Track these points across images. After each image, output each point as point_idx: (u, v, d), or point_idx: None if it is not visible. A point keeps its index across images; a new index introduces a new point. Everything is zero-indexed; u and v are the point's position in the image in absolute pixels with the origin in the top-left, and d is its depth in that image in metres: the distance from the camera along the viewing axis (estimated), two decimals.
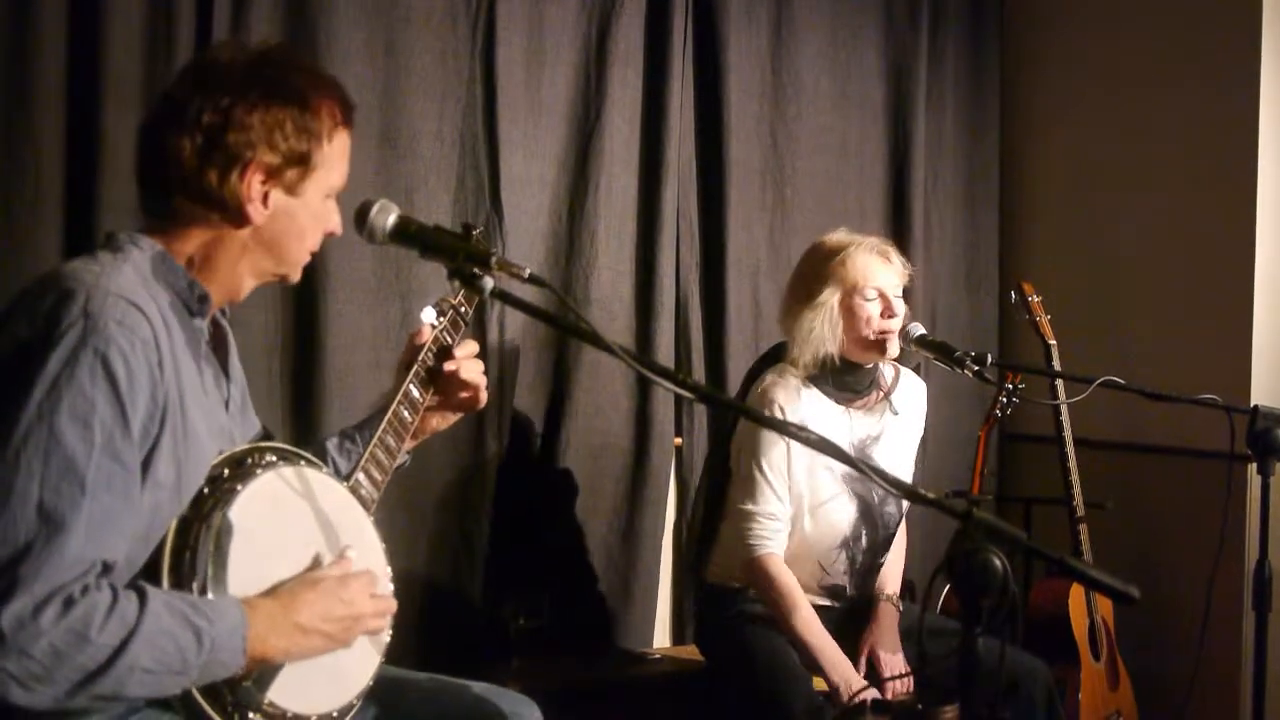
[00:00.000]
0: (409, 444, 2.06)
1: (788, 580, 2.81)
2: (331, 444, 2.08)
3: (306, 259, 1.83)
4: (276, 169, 1.71)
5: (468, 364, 2.07)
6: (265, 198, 1.72)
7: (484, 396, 2.12)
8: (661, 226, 3.57)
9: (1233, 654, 3.53)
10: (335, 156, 1.78)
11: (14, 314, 1.58)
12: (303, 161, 1.73)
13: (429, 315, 2.09)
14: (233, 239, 1.73)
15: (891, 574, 3.03)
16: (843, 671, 2.73)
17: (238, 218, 1.72)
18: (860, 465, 1.62)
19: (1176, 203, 3.83)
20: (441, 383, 2.07)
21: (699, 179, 3.72)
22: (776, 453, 2.83)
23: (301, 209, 1.76)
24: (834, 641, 2.78)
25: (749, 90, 3.77)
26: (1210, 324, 3.72)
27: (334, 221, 1.84)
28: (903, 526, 3.10)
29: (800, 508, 2.87)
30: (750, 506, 2.84)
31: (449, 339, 2.10)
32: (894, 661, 2.84)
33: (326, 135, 1.75)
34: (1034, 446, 4.03)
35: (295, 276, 1.85)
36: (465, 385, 2.08)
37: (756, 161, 3.80)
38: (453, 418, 2.16)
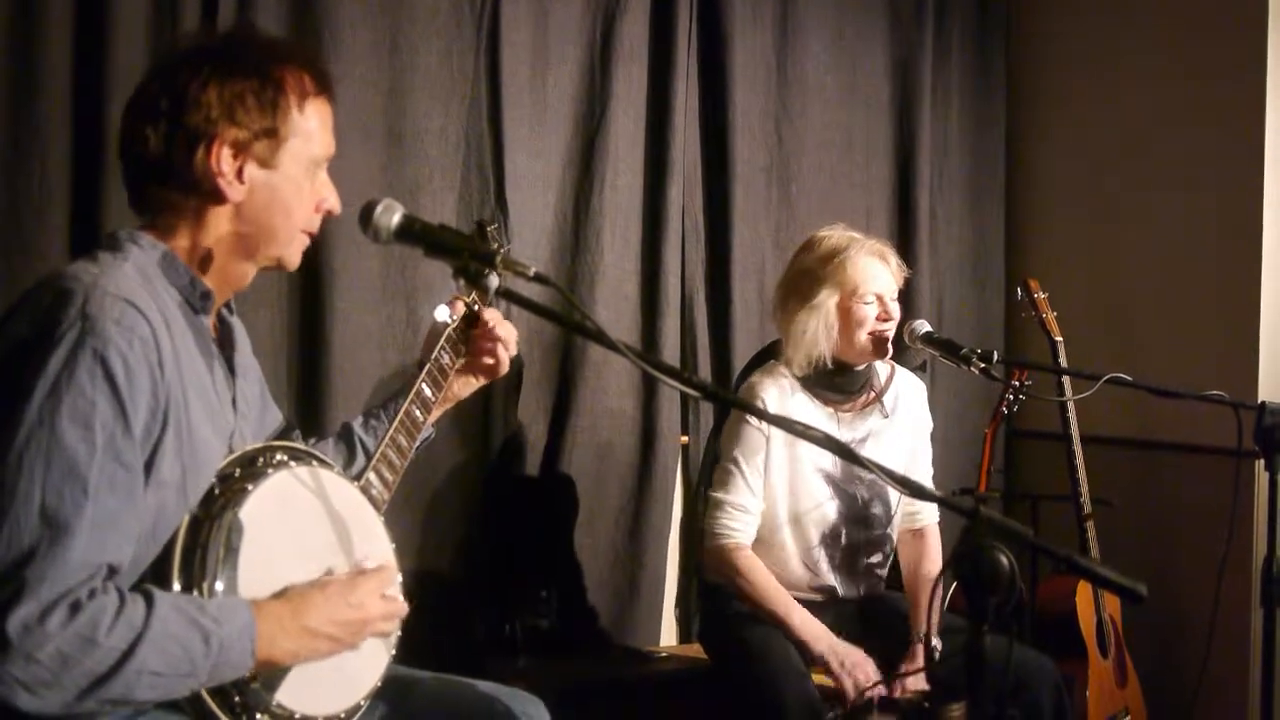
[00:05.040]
0: (434, 414, 2.09)
1: (755, 566, 2.81)
2: (357, 423, 2.11)
3: (299, 239, 1.80)
4: (244, 143, 1.69)
5: (503, 326, 2.11)
6: (239, 173, 1.70)
7: (506, 362, 2.15)
8: (667, 224, 3.57)
9: (1241, 650, 3.53)
10: (312, 126, 1.76)
11: (14, 316, 1.58)
12: (270, 134, 1.71)
13: (441, 313, 2.10)
14: (219, 223, 1.72)
15: (932, 563, 3.00)
16: (827, 641, 2.73)
17: (214, 196, 1.70)
18: (867, 463, 1.61)
19: (1183, 198, 3.82)
20: (470, 345, 2.11)
21: (704, 177, 3.73)
22: (756, 454, 2.84)
23: (282, 181, 1.74)
24: (812, 616, 2.77)
25: (754, 88, 3.76)
26: (1217, 320, 3.72)
27: (328, 198, 1.82)
28: (934, 530, 3.06)
29: (779, 513, 2.87)
30: (720, 495, 2.84)
31: (463, 337, 2.12)
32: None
33: (295, 105, 1.73)
34: (1041, 443, 4.02)
35: (291, 261, 1.82)
36: (492, 347, 2.11)
37: (762, 159, 3.80)
38: (475, 384, 2.19)
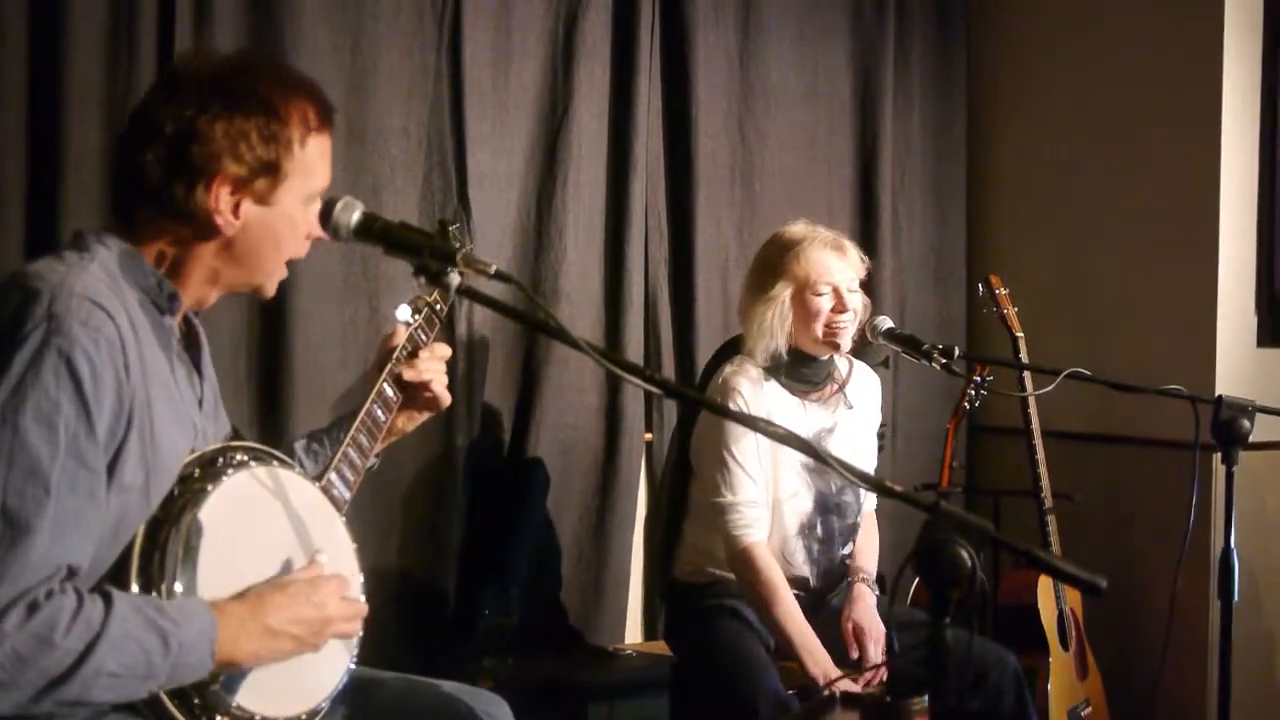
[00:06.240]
0: (378, 446, 2.03)
1: (773, 571, 2.82)
2: (300, 445, 2.07)
3: (283, 271, 1.80)
4: (244, 180, 1.68)
5: (427, 364, 2.06)
6: (235, 209, 1.69)
7: (446, 397, 2.10)
8: (630, 222, 3.57)
9: (1199, 641, 3.56)
10: (312, 162, 1.75)
11: None
12: (271, 171, 1.70)
13: (403, 313, 2.08)
14: (204, 250, 1.71)
15: (866, 557, 3.03)
16: (821, 663, 2.74)
17: (207, 230, 1.69)
18: (829, 459, 1.61)
19: (1142, 196, 3.86)
20: (406, 383, 2.06)
21: (667, 174, 3.73)
22: (746, 441, 2.84)
23: (277, 217, 1.73)
24: (813, 632, 2.78)
25: (717, 86, 3.77)
26: (1176, 315, 3.76)
27: (316, 226, 1.80)
28: (872, 516, 3.11)
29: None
30: (729, 497, 2.83)
31: (424, 337, 2.09)
32: (877, 636, 2.84)
33: (298, 141, 1.72)
34: (1002, 439, 4.05)
35: (270, 290, 1.82)
36: (426, 385, 2.06)
37: (725, 157, 3.80)
38: (419, 418, 2.14)
